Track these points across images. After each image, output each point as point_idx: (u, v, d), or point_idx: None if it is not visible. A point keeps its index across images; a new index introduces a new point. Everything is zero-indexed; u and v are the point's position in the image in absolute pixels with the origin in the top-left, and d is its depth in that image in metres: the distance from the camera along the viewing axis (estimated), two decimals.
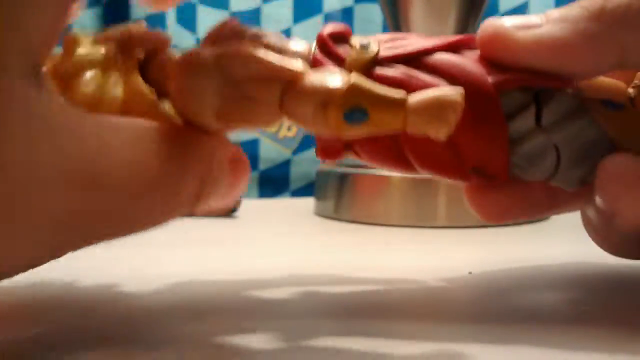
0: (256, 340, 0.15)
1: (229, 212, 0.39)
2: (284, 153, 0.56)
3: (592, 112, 0.18)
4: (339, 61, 0.18)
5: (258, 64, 0.15)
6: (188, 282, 0.21)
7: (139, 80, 0.17)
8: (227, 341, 0.15)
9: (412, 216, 0.35)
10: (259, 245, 0.30)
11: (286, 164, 0.56)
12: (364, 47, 0.18)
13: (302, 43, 0.18)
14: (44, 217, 0.12)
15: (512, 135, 0.17)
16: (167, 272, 0.23)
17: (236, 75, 0.15)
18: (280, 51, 0.17)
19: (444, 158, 0.18)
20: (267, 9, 0.59)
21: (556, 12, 0.18)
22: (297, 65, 0.15)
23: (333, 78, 0.14)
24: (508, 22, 0.18)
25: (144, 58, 0.18)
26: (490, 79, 0.17)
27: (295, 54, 0.18)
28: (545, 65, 0.17)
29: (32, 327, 0.16)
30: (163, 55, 0.18)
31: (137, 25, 0.18)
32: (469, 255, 0.26)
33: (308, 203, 0.43)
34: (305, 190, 0.56)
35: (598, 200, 0.18)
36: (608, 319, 0.17)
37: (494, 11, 0.62)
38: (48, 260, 0.13)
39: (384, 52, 0.18)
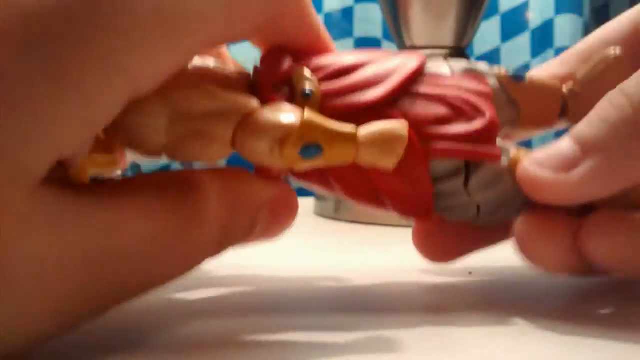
0: (255, 340, 0.15)
1: None
2: None
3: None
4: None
5: (211, 100, 0.15)
6: (187, 282, 0.21)
7: None
8: (227, 341, 0.15)
9: None
10: (259, 245, 0.30)
11: None
12: (306, 97, 0.17)
13: (243, 68, 0.18)
14: (57, 302, 0.12)
15: (439, 192, 0.18)
16: None
17: (186, 110, 0.15)
18: (226, 78, 0.17)
19: (363, 191, 0.18)
20: None
21: (588, 133, 0.17)
22: (251, 101, 0.15)
23: (287, 115, 0.15)
24: (544, 167, 0.17)
25: None
26: (421, 146, 0.18)
27: (238, 80, 0.17)
28: (597, 197, 0.17)
29: None
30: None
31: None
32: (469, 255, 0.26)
33: (308, 203, 0.43)
34: (305, 190, 0.56)
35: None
36: (609, 319, 0.17)
37: (494, 11, 0.62)
38: (69, 330, 0.13)
39: (329, 100, 0.18)
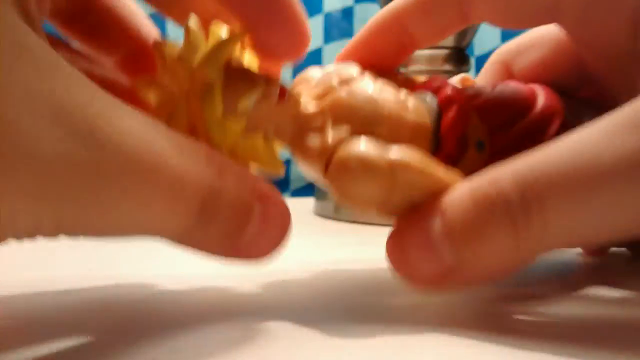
0: (255, 340, 0.15)
1: None
2: (284, 153, 0.56)
3: None
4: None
5: (427, 179, 0.16)
6: (187, 282, 0.21)
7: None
8: (227, 340, 0.15)
9: None
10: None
11: (286, 163, 0.56)
12: (480, 148, 0.19)
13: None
14: (31, 154, 0.12)
15: None
16: (166, 272, 0.23)
17: (405, 185, 0.16)
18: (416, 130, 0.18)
19: None
20: None
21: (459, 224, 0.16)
22: (454, 180, 0.16)
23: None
24: (407, 255, 0.16)
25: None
26: None
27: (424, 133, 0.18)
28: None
29: (29, 340, 0.16)
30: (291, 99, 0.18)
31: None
32: None
33: (308, 203, 0.43)
34: (305, 190, 0.56)
35: None
36: (610, 318, 0.18)
37: None
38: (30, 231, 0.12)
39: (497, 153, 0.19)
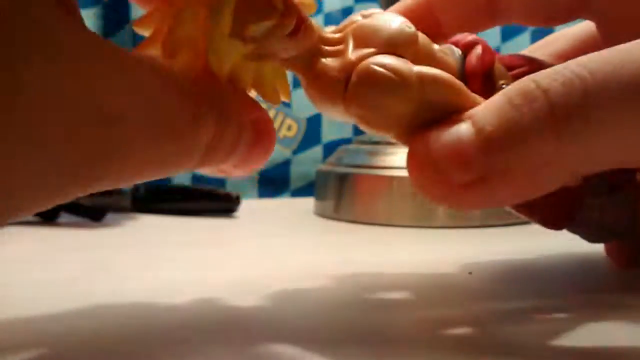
0: (255, 340, 0.15)
1: (230, 211, 0.39)
2: (284, 153, 0.56)
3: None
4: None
5: (456, 96, 0.15)
6: (187, 282, 0.21)
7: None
8: (227, 340, 0.15)
9: (412, 216, 0.35)
10: (259, 246, 0.30)
11: (286, 163, 0.56)
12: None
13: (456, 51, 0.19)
14: (54, 141, 0.12)
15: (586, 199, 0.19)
16: (166, 273, 0.23)
17: (433, 100, 0.15)
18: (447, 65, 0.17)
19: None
20: None
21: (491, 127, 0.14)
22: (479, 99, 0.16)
23: None
24: (439, 163, 0.15)
25: None
26: None
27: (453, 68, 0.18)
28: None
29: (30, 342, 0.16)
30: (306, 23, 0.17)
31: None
32: (469, 255, 0.26)
33: (308, 203, 0.43)
34: (305, 190, 0.55)
35: None
36: (611, 318, 0.17)
37: None
38: (57, 198, 0.13)
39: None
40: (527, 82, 0.14)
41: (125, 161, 0.13)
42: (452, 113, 0.15)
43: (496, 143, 0.14)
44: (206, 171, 0.16)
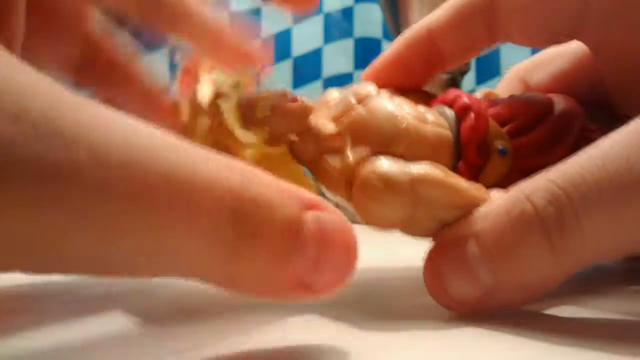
0: (255, 339, 0.15)
1: None
2: None
3: None
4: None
5: (450, 194, 0.16)
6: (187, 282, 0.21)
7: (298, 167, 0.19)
8: (226, 340, 0.15)
9: None
10: None
11: None
12: (503, 154, 0.19)
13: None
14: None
15: None
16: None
17: (429, 199, 0.16)
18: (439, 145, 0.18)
19: None
20: (267, 9, 0.59)
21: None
22: (484, 196, 0.17)
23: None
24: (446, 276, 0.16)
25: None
26: None
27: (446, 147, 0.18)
28: None
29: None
30: (307, 123, 0.19)
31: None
32: None
33: None
34: None
35: None
36: (612, 318, 0.17)
37: None
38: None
39: (519, 157, 0.19)
40: (522, 201, 0.15)
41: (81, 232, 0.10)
42: (451, 209, 0.16)
43: (500, 260, 0.16)
44: None
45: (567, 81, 0.24)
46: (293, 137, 0.18)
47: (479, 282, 0.16)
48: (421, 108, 0.19)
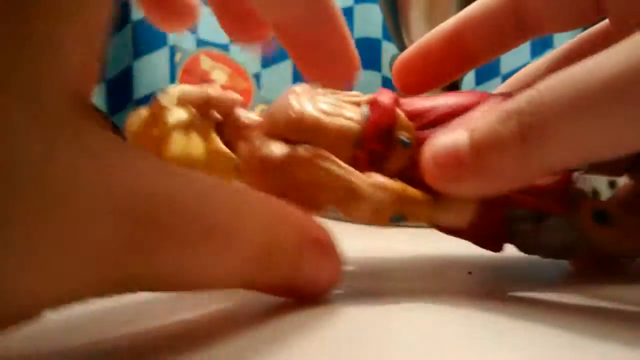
0: (256, 339, 0.15)
1: None
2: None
3: (584, 228, 0.21)
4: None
5: (326, 176, 0.19)
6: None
7: (217, 141, 0.20)
8: (227, 340, 0.15)
9: None
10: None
11: None
12: (405, 145, 0.20)
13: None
14: (90, 249, 0.11)
15: (514, 231, 0.21)
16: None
17: (300, 180, 0.19)
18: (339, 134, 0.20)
19: None
20: None
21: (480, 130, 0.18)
22: (359, 177, 0.19)
23: (385, 193, 0.19)
24: (439, 164, 0.19)
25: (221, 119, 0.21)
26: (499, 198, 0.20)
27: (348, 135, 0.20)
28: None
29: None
30: (233, 115, 0.21)
31: (213, 87, 0.21)
32: (469, 255, 0.26)
33: None
34: None
35: None
36: (611, 318, 0.18)
37: None
38: (93, 295, 0.13)
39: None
40: (509, 101, 0.17)
41: (156, 265, 0.13)
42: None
43: (481, 144, 0.18)
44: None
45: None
46: (218, 117, 0.21)
47: (460, 156, 0.18)
48: (348, 105, 0.21)
